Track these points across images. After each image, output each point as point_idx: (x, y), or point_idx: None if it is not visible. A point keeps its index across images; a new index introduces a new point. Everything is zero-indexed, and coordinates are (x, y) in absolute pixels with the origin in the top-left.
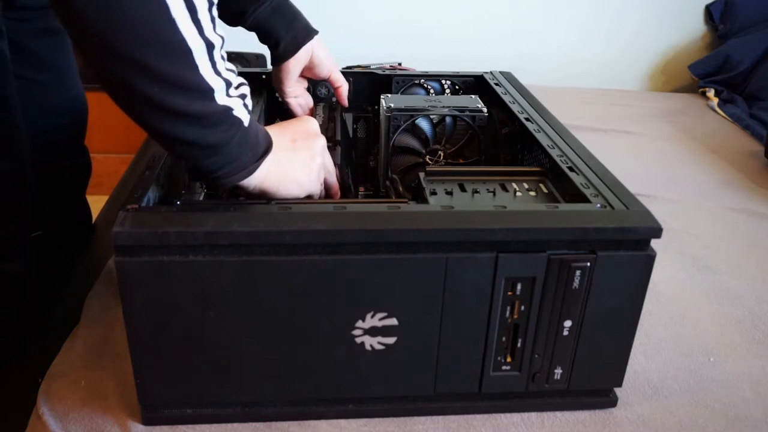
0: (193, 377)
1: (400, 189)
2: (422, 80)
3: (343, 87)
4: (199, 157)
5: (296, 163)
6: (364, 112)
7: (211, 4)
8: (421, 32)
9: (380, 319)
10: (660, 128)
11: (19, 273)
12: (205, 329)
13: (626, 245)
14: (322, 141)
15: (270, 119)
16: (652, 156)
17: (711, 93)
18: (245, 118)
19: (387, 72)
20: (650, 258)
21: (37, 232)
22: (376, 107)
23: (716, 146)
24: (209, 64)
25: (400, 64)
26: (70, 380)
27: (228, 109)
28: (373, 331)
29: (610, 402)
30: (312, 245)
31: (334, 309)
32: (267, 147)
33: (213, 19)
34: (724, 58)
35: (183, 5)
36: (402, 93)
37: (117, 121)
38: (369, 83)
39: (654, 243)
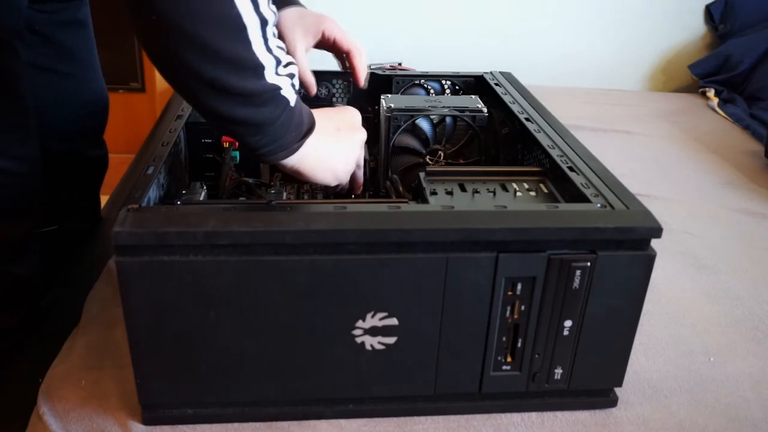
0: (193, 377)
1: (401, 189)
2: (422, 80)
3: (354, 53)
4: (244, 134)
5: (337, 151)
6: (364, 112)
7: None
8: (421, 32)
9: (380, 319)
10: (660, 128)
11: (26, 274)
12: (205, 329)
13: (626, 245)
14: (364, 135)
15: None
16: (652, 156)
17: (711, 93)
18: (292, 99)
19: (387, 72)
20: (650, 258)
21: (53, 226)
22: (376, 107)
23: (716, 146)
24: (262, 40)
25: (400, 64)
26: (70, 380)
27: (277, 88)
28: (373, 331)
29: (610, 402)
30: (312, 245)
31: (334, 309)
32: (310, 127)
33: None
34: (724, 58)
35: None
36: (402, 93)
37: (117, 121)
38: (369, 83)
39: (654, 243)
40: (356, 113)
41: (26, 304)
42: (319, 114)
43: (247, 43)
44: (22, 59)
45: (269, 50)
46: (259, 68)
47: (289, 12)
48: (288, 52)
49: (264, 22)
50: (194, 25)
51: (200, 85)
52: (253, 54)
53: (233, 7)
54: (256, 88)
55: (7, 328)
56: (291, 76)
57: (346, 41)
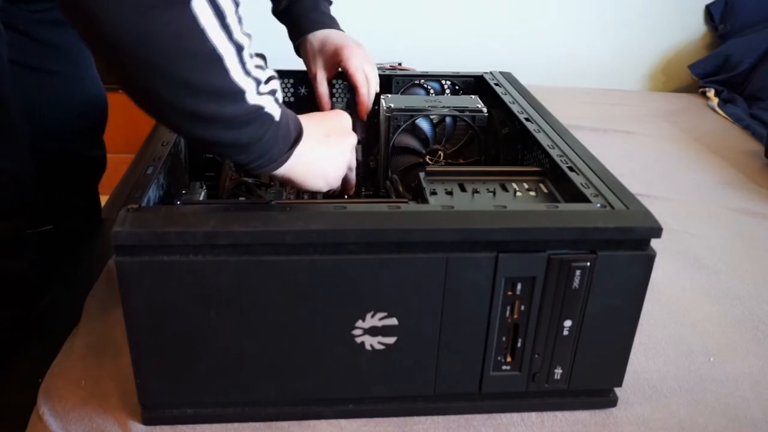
0: (193, 377)
1: (400, 189)
2: (422, 80)
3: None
4: (231, 154)
5: (327, 158)
6: None
7: (237, 5)
8: (421, 32)
9: (380, 319)
10: (660, 128)
11: (21, 271)
12: (205, 329)
13: (626, 245)
14: (354, 139)
15: None
16: (652, 156)
17: (711, 93)
18: (276, 113)
19: (387, 72)
20: (650, 258)
21: (48, 226)
22: (376, 107)
23: (716, 146)
24: (239, 66)
25: (400, 64)
26: (70, 380)
27: (259, 108)
28: (373, 331)
29: (610, 402)
30: (312, 245)
31: (334, 309)
32: (297, 135)
33: (240, 20)
34: (724, 58)
35: (211, 12)
36: (402, 93)
37: (117, 121)
38: None
39: (654, 243)
40: (347, 117)
41: (23, 302)
42: (307, 120)
43: (225, 72)
44: (2, 56)
45: (248, 74)
46: (240, 93)
47: (315, 39)
48: (310, 79)
49: (240, 49)
50: (168, 63)
51: (181, 117)
52: (232, 81)
53: (206, 40)
54: (239, 112)
55: (6, 327)
56: (272, 92)
57: (355, 78)
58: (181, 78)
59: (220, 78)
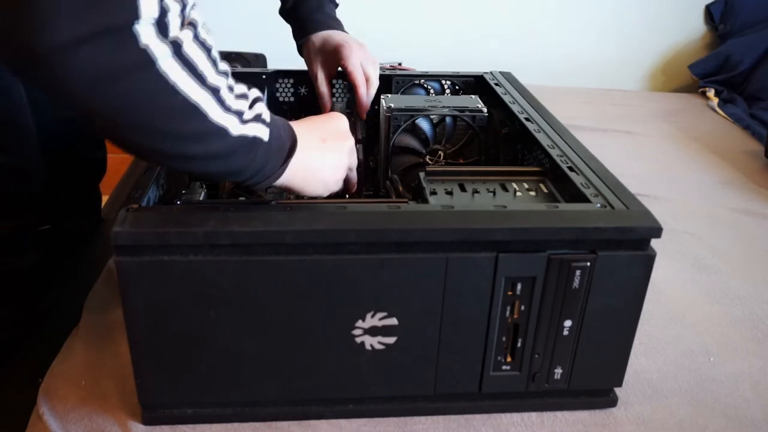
0: (193, 377)
1: (400, 189)
2: (422, 80)
3: (360, 88)
4: (224, 178)
5: (325, 163)
6: None
7: (209, 50)
8: (421, 32)
9: (380, 319)
10: (660, 128)
11: (26, 268)
12: (205, 329)
13: (626, 245)
14: (352, 141)
15: None
16: (652, 156)
17: (711, 93)
18: (265, 134)
19: (387, 72)
20: (650, 258)
21: (46, 225)
22: (376, 107)
23: (716, 146)
24: (218, 106)
25: (400, 64)
26: (70, 380)
27: (245, 137)
28: (373, 331)
29: (610, 402)
30: (312, 245)
31: (334, 309)
32: (292, 146)
33: (215, 62)
34: (724, 58)
35: (180, 67)
36: (402, 93)
37: None
38: None
39: (654, 243)
40: (342, 119)
41: (23, 302)
42: (301, 127)
43: (203, 116)
44: None
45: (228, 110)
46: (222, 131)
47: (317, 39)
48: (312, 79)
49: (216, 91)
50: (143, 120)
51: (164, 158)
52: (212, 123)
53: (176, 93)
54: (223, 146)
55: (6, 327)
56: (258, 117)
57: (354, 76)
58: (159, 129)
59: (199, 122)
